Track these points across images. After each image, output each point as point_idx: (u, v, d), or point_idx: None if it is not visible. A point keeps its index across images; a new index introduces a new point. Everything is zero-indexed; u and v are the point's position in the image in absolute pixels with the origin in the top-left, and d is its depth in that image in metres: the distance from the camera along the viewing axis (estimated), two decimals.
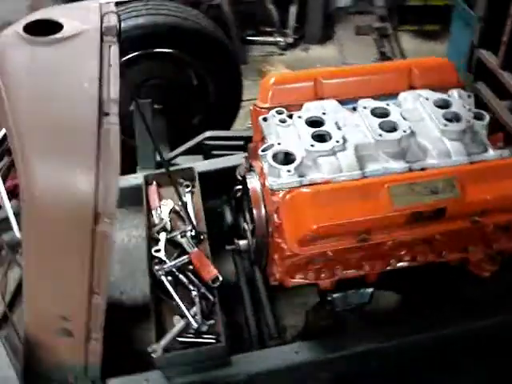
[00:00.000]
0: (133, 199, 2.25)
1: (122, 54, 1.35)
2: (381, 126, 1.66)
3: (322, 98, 1.84)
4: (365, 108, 1.74)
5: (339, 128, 1.68)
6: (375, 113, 1.72)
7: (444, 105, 1.76)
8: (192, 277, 1.86)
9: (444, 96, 1.79)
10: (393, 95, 1.85)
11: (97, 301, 1.32)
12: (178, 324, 1.72)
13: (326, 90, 1.85)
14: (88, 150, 1.13)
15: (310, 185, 1.54)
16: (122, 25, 2.22)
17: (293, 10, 4.34)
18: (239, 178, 1.94)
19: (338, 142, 1.61)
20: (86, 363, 1.49)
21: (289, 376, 1.67)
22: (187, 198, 2.19)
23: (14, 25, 1.30)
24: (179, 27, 2.75)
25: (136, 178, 2.28)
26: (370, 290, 1.69)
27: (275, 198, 1.54)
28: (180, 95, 3.00)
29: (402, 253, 1.60)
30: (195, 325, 1.69)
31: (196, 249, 1.93)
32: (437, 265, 1.71)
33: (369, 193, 1.46)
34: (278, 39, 4.40)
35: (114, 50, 1.29)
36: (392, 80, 1.89)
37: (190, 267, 1.89)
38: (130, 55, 2.73)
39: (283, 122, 1.73)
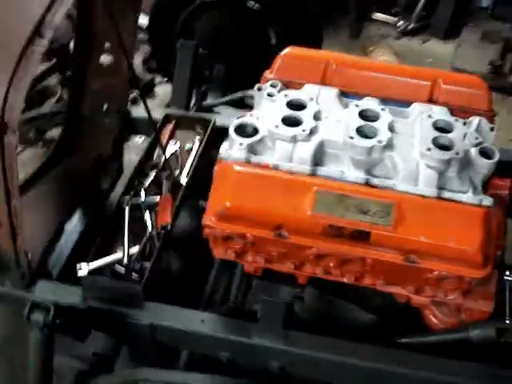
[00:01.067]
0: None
1: None
2: (359, 129, 1.53)
3: (327, 84, 1.73)
4: (356, 106, 1.61)
5: (317, 118, 1.57)
6: (363, 114, 1.58)
7: (443, 128, 1.57)
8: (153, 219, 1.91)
9: (450, 119, 1.59)
10: (407, 103, 1.70)
11: (14, 203, 1.43)
12: (115, 254, 1.80)
13: (335, 77, 1.73)
14: (7, 67, 1.19)
15: (255, 164, 1.48)
16: None
17: None
18: None
19: (303, 130, 1.51)
20: (16, 255, 1.63)
21: (190, 341, 1.67)
22: (194, 146, 2.22)
23: None
24: None
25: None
26: (297, 290, 1.62)
27: (217, 165, 1.51)
28: (255, 51, 2.99)
29: (330, 265, 1.49)
30: (125, 261, 1.75)
31: (168, 194, 1.96)
32: None
33: (295, 190, 1.37)
34: (400, 22, 4.13)
35: None
36: (411, 87, 1.71)
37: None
38: None
39: (270, 95, 1.66)
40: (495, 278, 1.53)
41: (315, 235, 1.38)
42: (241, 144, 1.50)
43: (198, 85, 2.65)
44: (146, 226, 1.89)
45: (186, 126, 2.29)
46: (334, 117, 1.59)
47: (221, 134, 2.16)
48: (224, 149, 1.54)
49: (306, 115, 1.56)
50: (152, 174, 2.09)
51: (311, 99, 1.62)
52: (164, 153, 2.13)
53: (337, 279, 1.52)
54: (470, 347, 1.56)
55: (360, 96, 1.68)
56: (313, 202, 1.35)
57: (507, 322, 1.52)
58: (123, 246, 1.81)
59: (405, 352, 1.61)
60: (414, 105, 1.67)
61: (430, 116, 1.59)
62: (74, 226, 2.15)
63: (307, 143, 1.50)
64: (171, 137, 2.26)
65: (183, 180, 2.05)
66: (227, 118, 2.37)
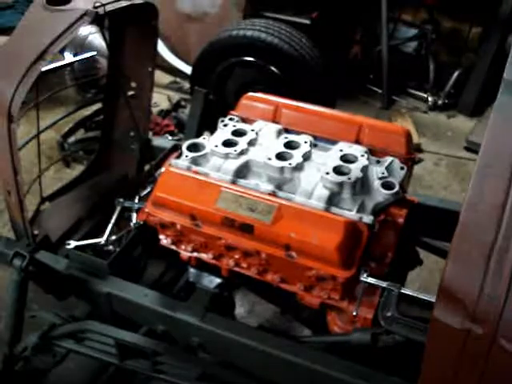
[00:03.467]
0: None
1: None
2: (278, 154, 1.93)
3: (276, 122, 2.16)
4: (285, 138, 2.02)
5: (251, 144, 2.00)
6: (288, 144, 1.99)
7: (349, 161, 1.93)
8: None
9: (359, 155, 1.94)
10: (337, 142, 2.08)
11: (19, 178, 1.96)
12: (98, 239, 2.28)
13: (283, 117, 2.16)
14: (16, 78, 1.76)
15: (193, 172, 1.93)
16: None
17: (455, 74, 4.34)
18: None
19: (235, 150, 1.95)
20: (24, 225, 2.16)
21: (135, 312, 2.06)
22: None
23: None
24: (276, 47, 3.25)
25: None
26: (219, 279, 1.99)
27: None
28: None
29: (236, 257, 1.86)
30: (102, 241, 2.23)
31: None
32: None
33: (207, 190, 1.79)
34: (429, 98, 4.46)
35: (82, 27, 1.89)
36: (341, 129, 2.10)
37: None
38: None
39: (225, 125, 2.13)
40: (379, 291, 1.81)
41: (218, 226, 1.79)
42: (186, 156, 1.96)
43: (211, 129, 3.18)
44: (129, 223, 2.38)
45: None
46: (265, 144, 2.02)
47: None
48: (174, 159, 2.01)
49: (242, 140, 2.00)
50: (149, 187, 2.59)
51: (252, 130, 2.06)
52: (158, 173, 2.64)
53: (245, 272, 1.88)
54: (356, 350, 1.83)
55: (299, 133, 2.10)
56: (216, 198, 1.77)
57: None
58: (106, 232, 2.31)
59: (298, 345, 1.90)
60: (339, 143, 2.05)
61: (341, 150, 1.96)
62: (89, 223, 2.68)
63: (235, 160, 1.93)
64: None
65: None
66: None
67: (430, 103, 4.48)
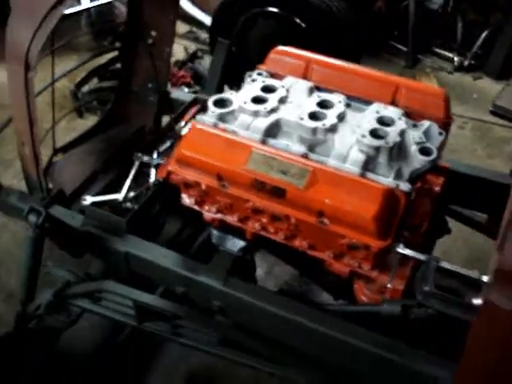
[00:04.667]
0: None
1: None
2: (311, 114, 1.81)
3: (307, 79, 2.03)
4: (318, 97, 1.90)
5: (282, 102, 1.88)
6: (322, 104, 1.87)
7: (386, 123, 1.81)
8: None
9: (396, 118, 1.83)
10: (371, 103, 1.95)
11: (35, 130, 1.86)
12: (116, 194, 2.19)
13: (314, 74, 2.03)
14: (32, 25, 1.63)
15: (220, 129, 1.81)
16: None
17: (483, 35, 4.15)
18: None
19: (265, 108, 1.83)
20: (38, 179, 2.07)
21: (154, 272, 2.00)
22: None
23: None
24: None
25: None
26: (243, 243, 1.91)
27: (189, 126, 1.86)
28: None
29: (264, 220, 1.77)
30: (120, 198, 2.14)
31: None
32: None
33: (236, 149, 1.68)
34: (455, 58, 4.28)
35: None
36: (376, 89, 1.97)
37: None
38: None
39: (253, 80, 2.00)
40: (412, 262, 1.73)
41: (247, 188, 1.69)
42: (213, 112, 1.85)
43: (232, 83, 3.05)
44: (147, 179, 2.29)
45: None
46: (297, 102, 1.89)
47: None
48: (199, 115, 1.89)
49: (272, 97, 1.88)
50: (168, 142, 2.48)
51: (283, 87, 1.93)
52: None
53: (271, 236, 1.80)
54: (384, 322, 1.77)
55: (331, 92, 1.97)
56: (246, 159, 1.66)
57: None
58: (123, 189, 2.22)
59: (324, 313, 1.84)
60: (374, 104, 1.92)
61: (377, 112, 1.84)
62: (105, 177, 2.58)
63: (266, 118, 1.81)
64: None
65: None
66: None
67: (455, 63, 4.30)
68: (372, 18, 4.58)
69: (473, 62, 4.27)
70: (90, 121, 3.44)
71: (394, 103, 1.94)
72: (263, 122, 1.80)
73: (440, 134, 1.87)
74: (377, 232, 1.59)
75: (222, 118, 1.85)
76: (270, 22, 3.37)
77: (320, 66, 2.04)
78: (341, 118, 1.83)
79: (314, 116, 1.81)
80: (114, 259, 2.06)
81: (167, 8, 2.46)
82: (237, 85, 3.07)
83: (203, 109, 2.66)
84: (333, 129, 1.78)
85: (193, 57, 4.39)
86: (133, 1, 2.42)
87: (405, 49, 4.41)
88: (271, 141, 1.79)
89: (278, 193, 1.64)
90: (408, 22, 4.21)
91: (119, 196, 2.20)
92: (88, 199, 2.15)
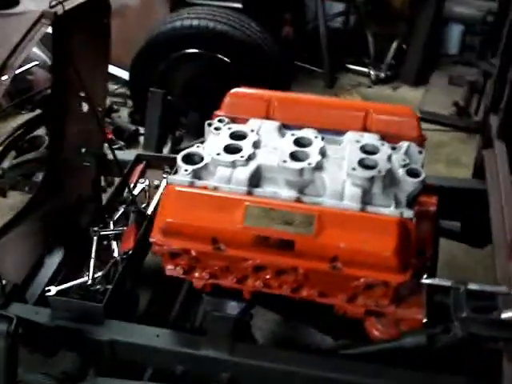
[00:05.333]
0: None
1: None
2: (292, 154, 1.70)
3: (271, 119, 1.92)
4: (292, 135, 1.79)
5: (256, 147, 1.75)
6: (298, 142, 1.76)
7: (370, 151, 1.74)
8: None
9: (378, 143, 1.77)
10: (342, 132, 1.88)
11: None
12: (82, 278, 1.95)
13: (277, 112, 1.92)
14: None
15: (197, 187, 1.65)
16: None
17: (394, 46, 4.31)
18: None
19: (242, 156, 1.69)
20: None
21: (147, 356, 1.79)
22: (162, 182, 2.40)
23: None
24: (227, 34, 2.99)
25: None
26: (243, 304, 1.75)
27: (166, 188, 1.68)
28: None
29: (267, 277, 1.63)
30: (89, 281, 1.90)
31: (133, 224, 2.13)
32: None
33: (228, 206, 1.53)
34: (371, 72, 4.41)
35: (42, 30, 1.54)
36: (345, 118, 1.90)
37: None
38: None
39: (217, 129, 1.86)
40: (425, 287, 1.66)
41: (248, 247, 1.53)
42: (186, 170, 1.68)
43: (172, 131, 2.89)
44: (112, 253, 2.06)
45: (155, 166, 2.50)
46: (271, 145, 1.77)
47: None
48: (172, 175, 1.72)
49: (245, 144, 1.74)
50: (121, 209, 2.27)
51: (252, 131, 1.81)
52: (131, 190, 2.32)
53: (275, 292, 1.65)
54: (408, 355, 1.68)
55: (300, 128, 1.87)
56: (243, 215, 1.51)
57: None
58: (89, 270, 1.97)
59: (346, 360, 1.72)
60: (348, 133, 1.85)
61: (358, 141, 1.77)
62: (53, 258, 2.31)
63: (245, 167, 1.67)
64: (141, 175, 2.46)
65: (150, 211, 2.23)
66: None
67: (372, 77, 4.41)
68: (282, 45, 4.62)
69: (388, 73, 4.41)
70: (15, 199, 3.13)
71: (365, 129, 1.89)
72: (244, 172, 1.66)
73: (420, 152, 1.82)
74: (398, 267, 1.49)
75: (196, 174, 1.69)
76: (192, 64, 3.25)
77: (281, 102, 1.94)
78: (323, 153, 1.73)
79: (295, 157, 1.69)
80: (97, 350, 1.82)
81: (97, 65, 2.27)
82: (172, 133, 2.93)
83: (150, 167, 2.51)
84: (319, 167, 1.67)
85: (109, 111, 4.17)
86: (59, 62, 2.21)
87: (319, 70, 4.47)
88: (257, 191, 1.65)
89: (284, 245, 1.50)
90: (319, 44, 4.27)
91: (86, 279, 1.96)
92: (52, 289, 1.90)
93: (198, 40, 3.08)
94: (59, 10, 1.60)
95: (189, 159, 1.74)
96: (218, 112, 1.97)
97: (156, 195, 2.33)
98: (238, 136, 1.79)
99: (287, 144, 1.75)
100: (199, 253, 1.61)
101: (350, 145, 1.76)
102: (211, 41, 3.06)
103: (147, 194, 2.37)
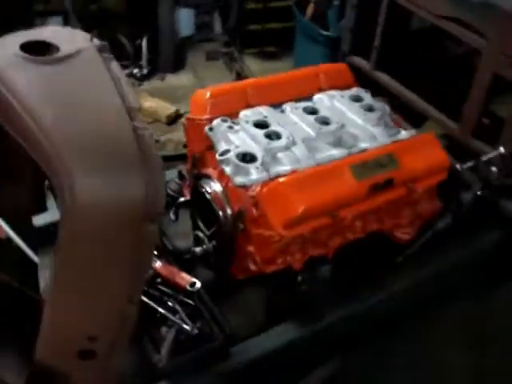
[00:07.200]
0: None
1: None
2: (317, 120, 1.93)
3: (251, 106, 2.05)
4: (296, 108, 2.00)
5: (283, 127, 1.90)
6: (307, 111, 1.99)
7: (358, 99, 2.10)
8: (164, 288, 1.91)
9: (354, 93, 2.12)
10: (308, 98, 2.14)
11: (130, 310, 1.32)
12: (171, 332, 1.76)
13: (254, 98, 2.06)
14: (132, 156, 1.18)
15: (277, 177, 1.73)
16: None
17: (144, 42, 4.47)
18: (171, 193, 2.09)
19: (288, 138, 1.84)
20: None
21: (285, 356, 1.81)
22: None
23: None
24: None
25: None
26: (329, 266, 1.92)
27: (251, 192, 1.69)
28: None
29: (357, 224, 1.86)
30: (189, 328, 1.75)
31: (159, 262, 1.97)
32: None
33: (335, 174, 1.71)
34: (134, 71, 4.49)
35: (115, 64, 1.34)
36: (305, 85, 2.18)
37: (158, 280, 1.94)
38: None
39: (231, 127, 1.90)
40: None
41: (361, 199, 1.74)
42: (257, 167, 1.73)
43: None
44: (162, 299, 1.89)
45: None
46: (288, 122, 1.95)
47: None
48: (238, 180, 1.73)
49: (276, 128, 1.88)
50: None
51: (265, 117, 1.93)
52: None
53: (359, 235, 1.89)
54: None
55: (279, 104, 2.06)
56: (351, 175, 1.71)
57: None
58: (167, 324, 1.79)
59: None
60: (315, 96, 2.13)
61: (342, 96, 2.09)
62: None
63: (297, 145, 1.83)
64: None
65: None
66: None
67: (138, 75, 4.46)
68: None
69: (149, 67, 4.52)
70: None
71: (320, 89, 2.20)
72: (301, 149, 1.82)
73: (366, 91, 2.24)
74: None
75: (267, 166, 1.76)
76: None
77: (254, 89, 2.07)
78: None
79: (323, 122, 1.93)
80: None
81: None
82: None
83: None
84: (343, 124, 1.96)
85: None
86: None
87: None
88: (318, 159, 1.83)
89: (388, 183, 1.77)
90: None
91: (184, 325, 1.77)
92: (160, 358, 1.67)
93: None
94: (96, 42, 1.41)
95: (245, 159, 1.77)
96: (199, 116, 1.97)
97: None
98: (262, 124, 1.89)
99: (301, 116, 1.96)
100: (313, 230, 1.72)
101: (338, 100, 2.08)
102: None
103: None
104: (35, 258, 1.98)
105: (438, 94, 2.37)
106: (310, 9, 4.00)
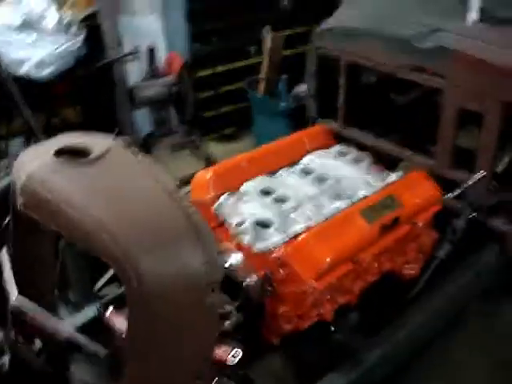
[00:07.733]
0: None
1: None
2: (315, 179, 2.08)
3: (249, 178, 2.18)
4: (292, 172, 2.15)
5: (286, 189, 2.04)
6: (304, 173, 2.15)
7: (343, 154, 2.29)
8: None
9: (338, 149, 2.31)
10: (299, 161, 2.31)
11: None
12: None
13: (251, 170, 2.20)
14: (186, 230, 1.26)
15: (295, 236, 1.84)
16: None
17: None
18: None
19: (295, 199, 1.97)
20: None
21: None
22: None
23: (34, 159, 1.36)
24: None
25: None
26: (357, 312, 1.99)
27: (277, 254, 1.79)
28: None
29: (374, 266, 1.97)
30: None
31: None
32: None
33: (348, 222, 1.84)
34: None
35: (141, 155, 1.44)
36: (294, 150, 2.36)
37: None
38: None
39: (240, 199, 2.02)
40: None
41: (374, 241, 1.86)
42: (275, 230, 1.84)
43: None
44: None
45: None
46: (287, 184, 2.12)
47: None
48: (259, 246, 1.83)
49: (281, 191, 2.03)
50: None
51: (267, 185, 2.07)
52: None
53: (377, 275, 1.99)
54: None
55: (273, 172, 2.22)
56: (363, 219, 1.85)
57: None
58: None
59: None
60: (305, 157, 2.31)
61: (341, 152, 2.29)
62: None
63: (306, 204, 1.99)
64: None
65: None
66: None
67: None
68: None
69: None
70: None
71: (307, 152, 2.37)
72: (309, 207, 1.97)
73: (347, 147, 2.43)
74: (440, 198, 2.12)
75: (284, 225, 1.90)
76: None
77: (249, 162, 2.21)
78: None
79: (320, 179, 2.10)
80: None
81: None
82: None
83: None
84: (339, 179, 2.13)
85: None
86: None
87: None
88: (325, 213, 1.95)
89: (395, 222, 1.91)
90: None
91: None
92: None
93: None
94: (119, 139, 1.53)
95: (263, 225, 1.88)
96: (203, 196, 2.07)
97: None
98: (267, 191, 2.03)
99: (300, 176, 2.12)
100: (340, 277, 1.81)
101: (334, 158, 2.27)
102: None
103: None
104: None
105: (408, 136, 2.57)
106: (261, 85, 4.28)
